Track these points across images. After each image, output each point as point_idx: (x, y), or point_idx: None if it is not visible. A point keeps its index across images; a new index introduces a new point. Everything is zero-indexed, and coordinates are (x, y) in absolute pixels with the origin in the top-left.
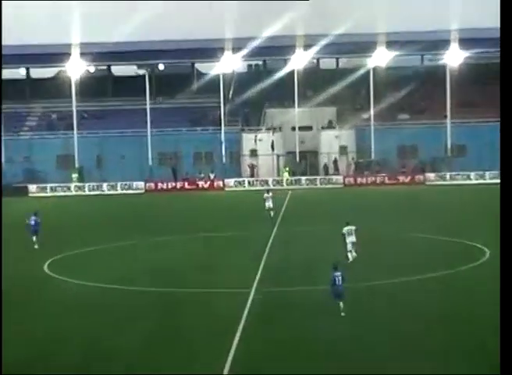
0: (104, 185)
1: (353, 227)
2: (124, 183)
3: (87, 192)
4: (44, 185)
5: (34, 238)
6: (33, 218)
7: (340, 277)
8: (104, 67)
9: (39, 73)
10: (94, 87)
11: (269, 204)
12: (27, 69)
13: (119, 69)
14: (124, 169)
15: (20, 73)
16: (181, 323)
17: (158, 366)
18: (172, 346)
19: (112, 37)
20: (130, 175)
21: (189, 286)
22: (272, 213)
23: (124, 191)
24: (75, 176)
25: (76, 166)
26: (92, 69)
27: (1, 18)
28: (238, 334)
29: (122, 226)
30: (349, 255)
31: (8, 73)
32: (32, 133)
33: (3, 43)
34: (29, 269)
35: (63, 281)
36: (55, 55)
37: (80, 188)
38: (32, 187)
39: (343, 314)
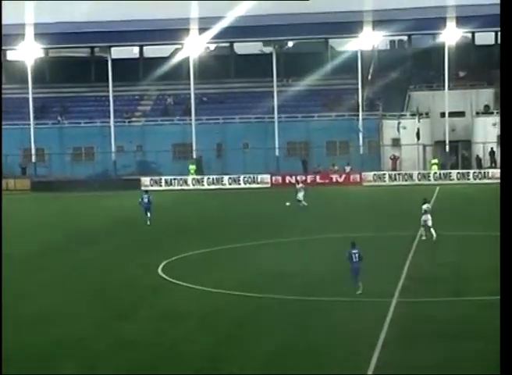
0: (225, 178)
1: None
2: (247, 176)
3: (206, 186)
4: (158, 178)
5: (149, 214)
6: (145, 196)
7: (357, 254)
8: (226, 44)
9: (153, 51)
10: (214, 67)
11: (300, 195)
12: (140, 47)
13: (243, 47)
14: (247, 160)
15: (133, 51)
16: (310, 336)
17: None
18: (301, 360)
19: (234, 10)
20: (254, 167)
21: (319, 294)
22: (301, 204)
23: (247, 185)
24: (192, 167)
25: (194, 156)
26: (212, 46)
27: (1, 18)
28: (376, 354)
29: (246, 225)
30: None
31: (119, 52)
32: (145, 120)
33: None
34: (143, 273)
35: (179, 286)
36: (171, 31)
37: (198, 181)
38: (145, 180)
39: (359, 291)
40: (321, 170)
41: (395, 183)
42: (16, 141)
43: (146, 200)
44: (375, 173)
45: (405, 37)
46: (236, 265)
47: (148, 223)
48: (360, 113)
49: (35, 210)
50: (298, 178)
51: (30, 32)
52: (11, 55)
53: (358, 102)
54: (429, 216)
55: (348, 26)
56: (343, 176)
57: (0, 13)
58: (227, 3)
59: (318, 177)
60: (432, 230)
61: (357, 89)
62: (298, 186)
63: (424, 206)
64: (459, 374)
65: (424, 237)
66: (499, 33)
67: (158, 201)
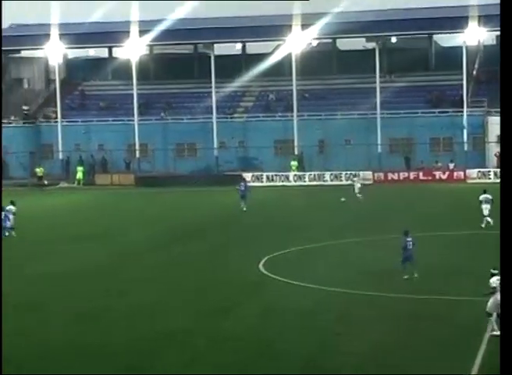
0: (327, 175)
1: (490, 196)
2: (349, 172)
3: (308, 182)
4: (259, 173)
5: (242, 203)
6: (242, 184)
7: (411, 242)
8: (329, 40)
9: (256, 48)
10: (316, 63)
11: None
12: (243, 43)
13: (346, 43)
14: (349, 156)
15: (235, 48)
16: (413, 336)
17: None
18: (405, 356)
19: (337, 7)
20: (356, 163)
21: (421, 292)
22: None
23: (349, 182)
24: (294, 164)
25: (296, 152)
26: (315, 42)
27: (1, 18)
28: (480, 356)
29: (347, 221)
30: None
31: (222, 49)
32: (247, 116)
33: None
34: (244, 268)
35: (279, 282)
36: (274, 27)
37: (299, 178)
38: (246, 176)
39: (415, 275)
40: (425, 167)
41: (499, 180)
42: (121, 137)
43: (242, 187)
44: (480, 170)
45: None
46: (338, 261)
47: (244, 209)
48: (465, 109)
49: (139, 205)
50: (395, 176)
51: (135, 30)
52: (116, 52)
53: (463, 98)
54: (488, 206)
55: (453, 21)
56: (447, 173)
57: (0, 13)
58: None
59: (421, 174)
60: (488, 218)
61: (462, 85)
62: (355, 179)
63: (481, 197)
64: None
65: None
66: None
67: (260, 197)
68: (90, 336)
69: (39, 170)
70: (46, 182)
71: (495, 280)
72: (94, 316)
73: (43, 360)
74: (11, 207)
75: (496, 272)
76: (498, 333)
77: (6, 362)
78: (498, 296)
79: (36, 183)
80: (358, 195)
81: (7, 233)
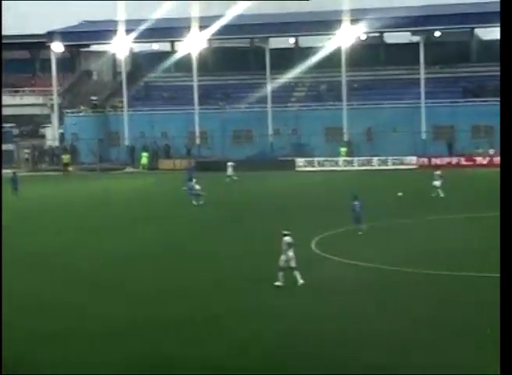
0: (374, 160)
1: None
2: (395, 158)
3: (356, 167)
4: (311, 159)
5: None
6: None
7: (358, 205)
8: (377, 34)
9: (308, 41)
10: (365, 55)
11: (437, 183)
12: (296, 38)
13: (393, 37)
14: (395, 143)
15: (289, 41)
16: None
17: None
18: (447, 336)
19: (386, 1)
20: (402, 149)
21: (468, 269)
22: (438, 192)
23: (395, 167)
24: (343, 150)
25: (345, 139)
26: (363, 36)
27: (1, 18)
28: None
29: (397, 204)
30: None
31: (277, 42)
32: (300, 105)
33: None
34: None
35: (334, 261)
36: (325, 22)
37: (348, 163)
38: (299, 161)
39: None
40: (466, 153)
41: None
42: (183, 125)
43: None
44: None
45: None
46: (386, 241)
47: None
48: None
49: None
50: (439, 162)
51: (195, 25)
52: (178, 47)
53: None
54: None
55: (492, 15)
56: (487, 158)
57: (0, 13)
58: None
59: (462, 160)
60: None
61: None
62: (436, 173)
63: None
64: None
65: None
66: None
67: (312, 180)
68: None
69: (65, 157)
70: (70, 169)
71: (287, 239)
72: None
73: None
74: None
75: (287, 233)
76: (281, 284)
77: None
78: (289, 253)
79: (103, 167)
80: (438, 190)
81: None
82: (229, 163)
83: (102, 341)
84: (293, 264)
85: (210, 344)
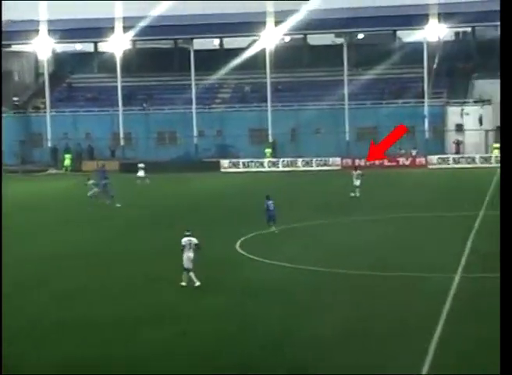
0: (299, 161)
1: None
2: (319, 159)
3: (281, 168)
4: (236, 160)
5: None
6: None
7: (272, 204)
8: (300, 36)
9: (232, 43)
10: (288, 57)
11: (357, 182)
12: (220, 39)
13: (315, 39)
14: (320, 144)
15: (213, 43)
16: (377, 311)
17: (354, 355)
18: (366, 335)
19: (308, 4)
20: (326, 150)
21: (387, 270)
22: (356, 192)
23: (319, 168)
24: (268, 151)
25: (270, 140)
26: (287, 38)
27: (1, 18)
28: (439, 329)
29: (316, 205)
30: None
31: (201, 44)
32: (225, 106)
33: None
34: (222, 248)
35: (257, 261)
36: (249, 24)
37: (273, 164)
38: (224, 163)
39: (275, 230)
40: (389, 154)
41: (458, 165)
42: (106, 126)
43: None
44: (440, 156)
45: (469, 29)
46: (306, 242)
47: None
48: (426, 100)
49: (123, 190)
50: (362, 163)
51: (119, 25)
52: (102, 47)
53: (424, 90)
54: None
55: (415, 18)
56: (410, 159)
57: (0, 13)
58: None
59: (385, 161)
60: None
61: (423, 78)
62: (355, 173)
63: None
64: None
65: None
66: None
67: (237, 182)
68: None
69: None
70: None
71: (185, 240)
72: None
73: None
74: None
75: (188, 233)
76: (198, 283)
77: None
78: (189, 253)
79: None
80: (356, 191)
81: None
82: (140, 165)
83: None
84: (190, 265)
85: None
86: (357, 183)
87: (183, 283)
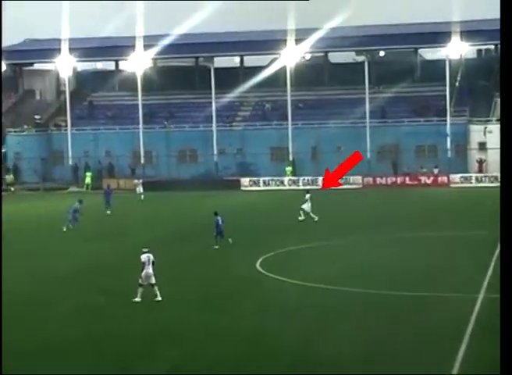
0: (320, 179)
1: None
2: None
3: (301, 186)
4: (256, 178)
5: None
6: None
7: (220, 220)
8: (321, 54)
9: (253, 61)
10: (309, 75)
11: (306, 206)
12: (241, 57)
13: (336, 56)
14: (340, 162)
15: (234, 61)
16: (395, 330)
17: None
18: (384, 355)
19: (329, 22)
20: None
21: (407, 289)
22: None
23: (341, 186)
24: (289, 169)
25: (290, 158)
26: (308, 56)
27: (1, 18)
28: (462, 349)
29: (337, 224)
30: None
31: (221, 62)
32: (245, 124)
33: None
34: (241, 267)
35: (277, 280)
36: (270, 42)
37: (293, 182)
38: (244, 181)
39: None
40: (411, 172)
41: (481, 184)
42: (127, 144)
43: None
44: (462, 175)
45: (492, 46)
46: (330, 261)
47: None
48: (448, 118)
49: (145, 208)
50: (384, 181)
51: (140, 44)
52: (123, 66)
53: (446, 108)
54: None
55: (436, 36)
56: (431, 178)
57: (0, 13)
58: (322, 14)
59: (407, 179)
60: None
61: (445, 95)
62: (306, 196)
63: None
64: None
65: None
66: None
67: (257, 200)
68: None
69: (9, 177)
70: (13, 189)
71: (144, 256)
72: None
73: None
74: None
75: (145, 250)
76: (159, 298)
77: None
78: (148, 269)
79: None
80: (309, 214)
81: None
82: (136, 181)
83: None
84: (152, 280)
85: None
86: (306, 206)
87: (137, 299)
